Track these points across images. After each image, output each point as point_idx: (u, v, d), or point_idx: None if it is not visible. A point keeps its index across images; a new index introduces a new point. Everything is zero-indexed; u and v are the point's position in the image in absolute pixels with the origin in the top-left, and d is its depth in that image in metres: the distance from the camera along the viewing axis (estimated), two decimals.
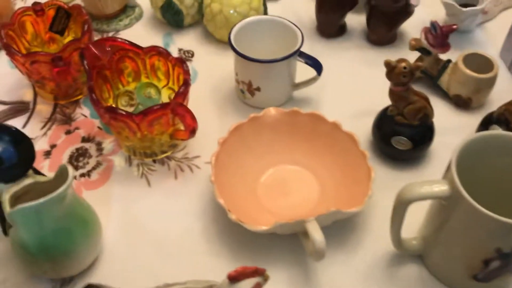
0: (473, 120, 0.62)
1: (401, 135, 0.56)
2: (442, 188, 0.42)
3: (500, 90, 0.65)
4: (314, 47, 0.73)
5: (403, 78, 0.53)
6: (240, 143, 0.56)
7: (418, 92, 0.56)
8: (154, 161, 0.60)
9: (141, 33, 0.76)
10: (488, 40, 0.74)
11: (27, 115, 0.65)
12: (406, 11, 0.70)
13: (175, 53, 0.73)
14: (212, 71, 0.70)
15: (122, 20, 0.77)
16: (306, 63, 0.62)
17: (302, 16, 0.78)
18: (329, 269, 0.50)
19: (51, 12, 0.66)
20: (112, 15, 0.76)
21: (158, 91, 0.62)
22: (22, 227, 0.45)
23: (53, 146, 0.62)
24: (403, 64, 0.52)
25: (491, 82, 0.63)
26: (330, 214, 0.48)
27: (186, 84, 0.55)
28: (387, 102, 0.57)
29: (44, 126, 0.64)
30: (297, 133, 0.58)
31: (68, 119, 0.65)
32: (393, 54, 0.67)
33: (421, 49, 0.65)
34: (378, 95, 0.59)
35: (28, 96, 0.68)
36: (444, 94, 0.66)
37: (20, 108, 0.66)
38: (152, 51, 0.60)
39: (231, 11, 0.69)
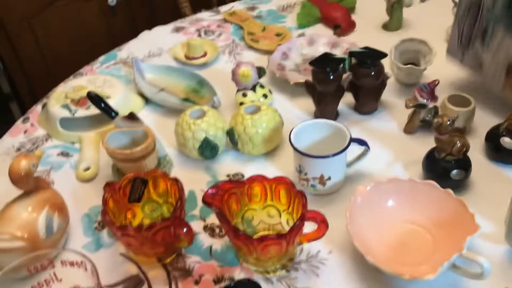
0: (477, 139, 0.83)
1: (455, 169, 0.73)
2: None
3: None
4: None
5: (449, 127, 0.70)
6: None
7: (453, 133, 0.73)
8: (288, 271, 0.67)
9: (183, 173, 0.83)
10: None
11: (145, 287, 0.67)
12: (384, 84, 0.90)
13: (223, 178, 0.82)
14: None
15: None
16: (357, 143, 0.77)
17: (301, 107, 0.94)
18: None
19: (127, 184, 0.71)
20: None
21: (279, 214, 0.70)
22: None
23: None
24: (446, 119, 0.70)
25: (473, 111, 0.84)
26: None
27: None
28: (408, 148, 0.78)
29: None
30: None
31: (187, 271, 0.68)
32: (381, 119, 0.91)
33: (416, 105, 0.84)
34: (397, 148, 0.83)
35: (132, 269, 0.69)
36: None
37: (133, 283, 0.68)
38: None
39: (259, 131, 0.81)
